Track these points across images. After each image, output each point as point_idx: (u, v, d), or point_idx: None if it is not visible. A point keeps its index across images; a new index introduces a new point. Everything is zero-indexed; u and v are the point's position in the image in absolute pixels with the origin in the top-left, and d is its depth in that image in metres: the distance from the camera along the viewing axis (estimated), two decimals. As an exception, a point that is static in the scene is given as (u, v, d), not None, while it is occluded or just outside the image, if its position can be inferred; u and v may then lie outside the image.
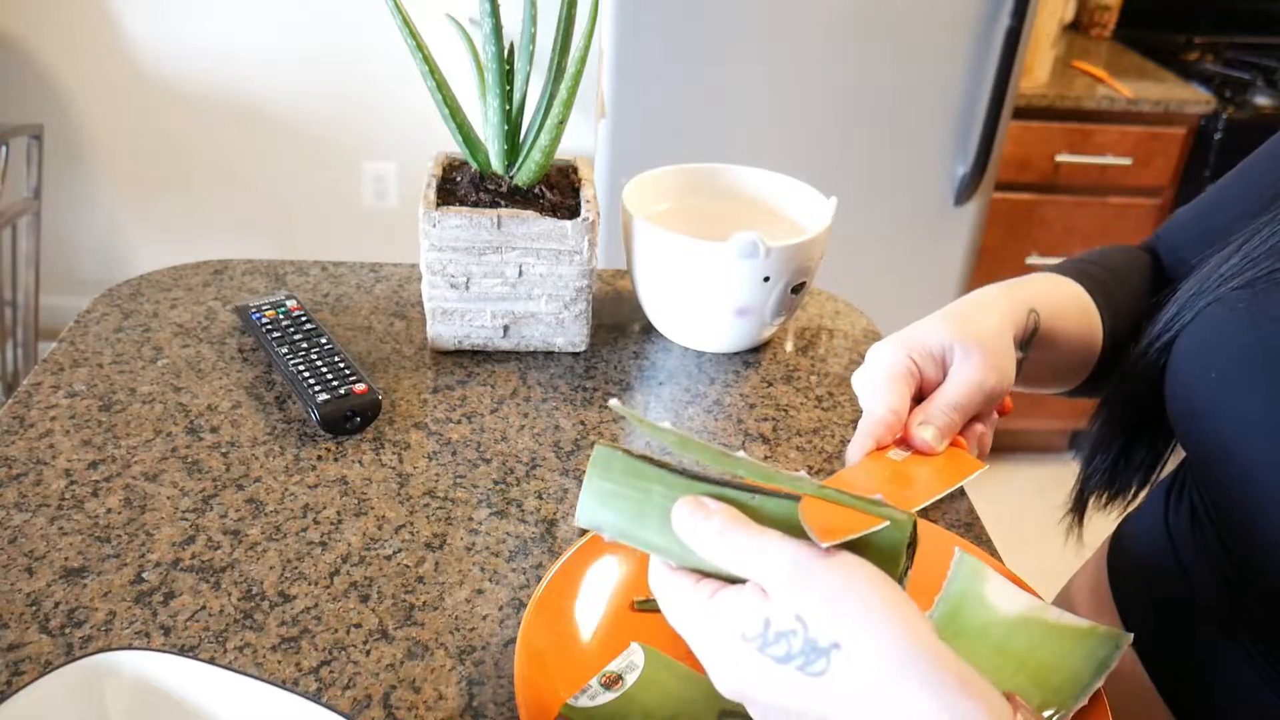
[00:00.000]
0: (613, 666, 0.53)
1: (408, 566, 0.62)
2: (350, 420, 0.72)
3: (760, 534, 0.40)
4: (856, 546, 0.40)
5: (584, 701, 0.50)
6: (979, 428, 0.59)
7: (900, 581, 0.41)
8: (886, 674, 0.36)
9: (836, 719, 0.36)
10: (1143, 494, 0.67)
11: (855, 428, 0.79)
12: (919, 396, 0.58)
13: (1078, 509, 0.68)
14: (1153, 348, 0.59)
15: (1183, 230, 0.71)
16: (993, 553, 0.66)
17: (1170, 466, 0.67)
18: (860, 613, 0.37)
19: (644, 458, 0.45)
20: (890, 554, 0.41)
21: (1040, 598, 0.56)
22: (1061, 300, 0.65)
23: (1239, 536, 0.53)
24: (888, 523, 0.41)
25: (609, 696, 0.51)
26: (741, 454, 0.44)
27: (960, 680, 0.35)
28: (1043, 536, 0.70)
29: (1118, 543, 0.66)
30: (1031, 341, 0.62)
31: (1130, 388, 0.61)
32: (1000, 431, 2.35)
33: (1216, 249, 0.58)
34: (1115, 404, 0.63)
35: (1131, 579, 0.63)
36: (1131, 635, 0.50)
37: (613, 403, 0.45)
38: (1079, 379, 0.70)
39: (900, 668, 0.36)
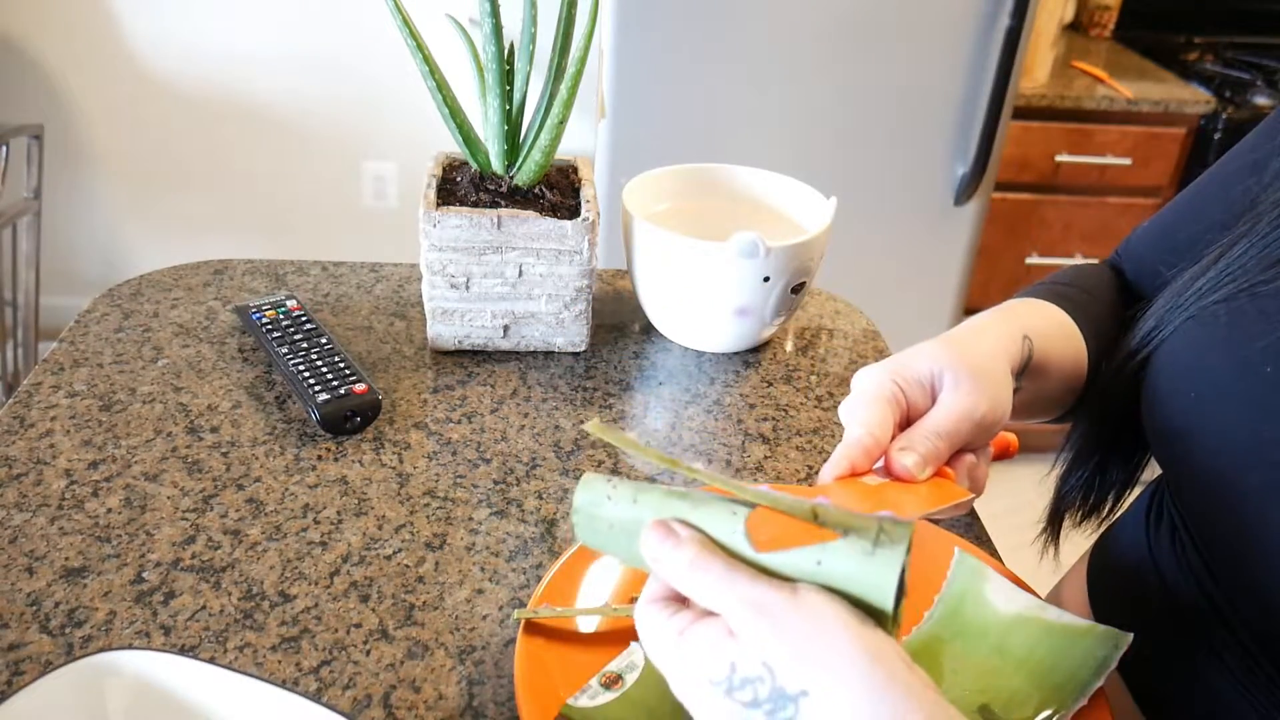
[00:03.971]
0: (612, 666, 0.53)
1: (408, 566, 0.62)
2: (350, 420, 0.72)
3: (730, 570, 0.39)
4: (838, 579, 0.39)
5: (584, 701, 0.50)
6: (969, 458, 0.54)
7: (898, 606, 0.39)
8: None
9: None
10: (1118, 511, 0.67)
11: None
12: (905, 424, 0.53)
13: (1053, 527, 0.67)
14: (1130, 363, 0.57)
15: (1149, 244, 0.69)
16: (993, 553, 0.66)
17: (1142, 483, 0.67)
18: (827, 658, 0.36)
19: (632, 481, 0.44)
20: (880, 578, 0.39)
21: (1040, 597, 0.56)
22: (1049, 326, 0.62)
23: (1223, 557, 0.52)
24: (840, 538, 0.39)
25: (609, 696, 0.51)
26: (700, 465, 0.43)
27: (928, 716, 0.35)
28: (1070, 552, 0.70)
29: (1097, 559, 0.66)
30: (1026, 371, 0.59)
31: (1106, 403, 0.60)
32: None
33: (1191, 261, 0.56)
34: (1091, 419, 0.61)
35: (1112, 595, 0.62)
36: (1131, 635, 0.50)
37: (588, 425, 0.44)
38: (1068, 403, 0.67)
39: (870, 712, 0.35)
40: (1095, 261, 0.74)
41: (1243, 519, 0.49)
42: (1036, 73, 1.98)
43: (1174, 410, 0.53)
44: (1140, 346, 0.56)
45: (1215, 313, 0.52)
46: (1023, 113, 1.94)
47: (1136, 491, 0.66)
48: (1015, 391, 0.57)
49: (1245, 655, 0.51)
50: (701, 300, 0.81)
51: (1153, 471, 0.64)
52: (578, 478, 0.71)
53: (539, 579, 0.62)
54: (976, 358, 0.54)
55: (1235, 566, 0.51)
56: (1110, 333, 0.66)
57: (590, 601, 0.57)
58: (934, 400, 0.53)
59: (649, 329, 0.90)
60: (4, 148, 1.66)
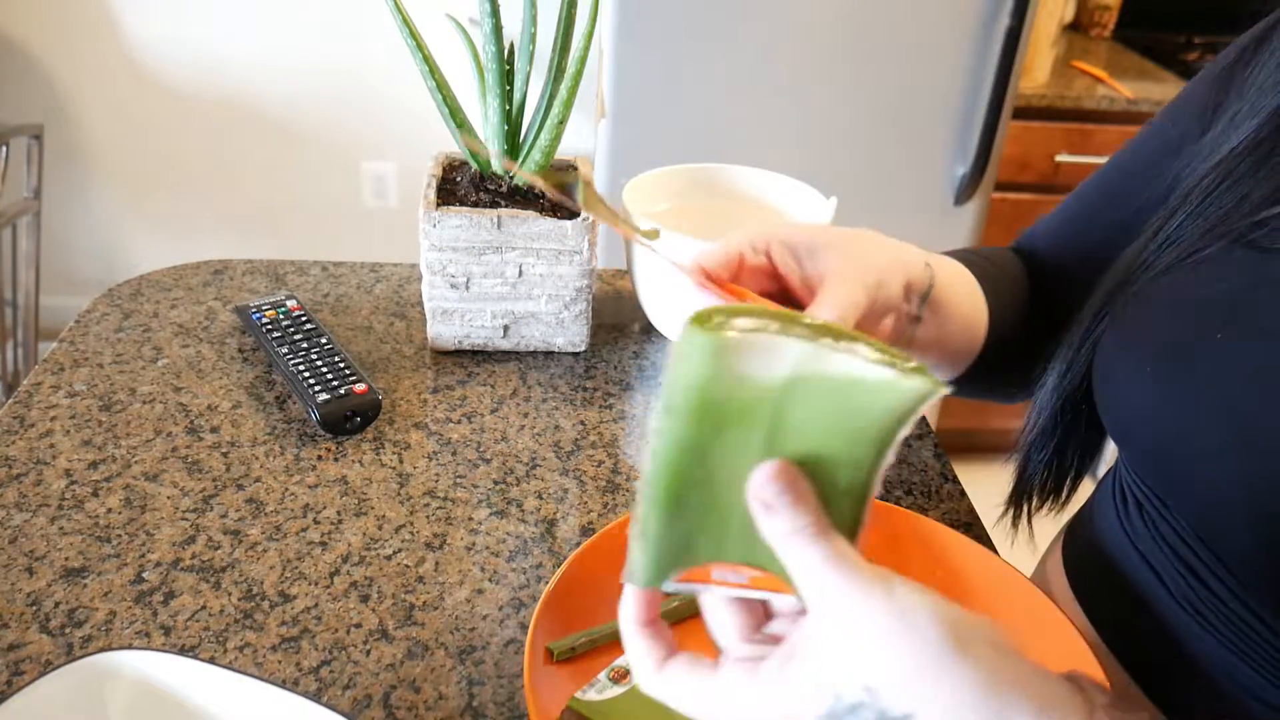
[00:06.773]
0: (621, 661, 0.53)
1: (408, 566, 0.62)
2: (350, 420, 0.72)
3: (835, 557, 0.36)
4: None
5: (591, 695, 0.50)
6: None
7: None
8: None
9: None
10: (1074, 498, 0.67)
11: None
12: (772, 273, 0.57)
13: (1015, 508, 0.68)
14: (1086, 343, 0.59)
15: (1052, 234, 0.71)
16: (993, 551, 0.66)
17: (1093, 480, 0.67)
18: (930, 670, 0.35)
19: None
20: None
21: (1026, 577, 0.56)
22: (952, 269, 0.63)
23: (1204, 523, 0.53)
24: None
25: (616, 691, 0.51)
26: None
27: (1039, 709, 0.34)
28: (1040, 533, 0.71)
29: (1071, 547, 0.66)
30: (927, 299, 0.58)
31: (1064, 385, 0.61)
32: (997, 430, 2.35)
33: (1131, 241, 0.58)
34: (1050, 402, 0.62)
35: (1092, 577, 0.63)
36: (949, 387, 0.37)
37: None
38: (963, 363, 0.66)
39: None
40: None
41: (1216, 481, 0.49)
42: (1036, 73, 1.98)
43: (1132, 387, 0.54)
44: (1093, 326, 0.58)
45: (1157, 288, 0.54)
46: (1023, 113, 1.94)
47: (1092, 481, 0.67)
48: (916, 320, 0.59)
49: (1238, 621, 0.52)
50: (701, 300, 0.81)
51: (1109, 463, 0.65)
52: (578, 478, 0.71)
53: (539, 579, 0.62)
54: (865, 248, 0.57)
55: (1214, 530, 0.52)
56: (1011, 302, 0.67)
57: (600, 597, 0.57)
58: (800, 266, 0.56)
59: (649, 329, 0.90)
60: (4, 148, 1.66)
